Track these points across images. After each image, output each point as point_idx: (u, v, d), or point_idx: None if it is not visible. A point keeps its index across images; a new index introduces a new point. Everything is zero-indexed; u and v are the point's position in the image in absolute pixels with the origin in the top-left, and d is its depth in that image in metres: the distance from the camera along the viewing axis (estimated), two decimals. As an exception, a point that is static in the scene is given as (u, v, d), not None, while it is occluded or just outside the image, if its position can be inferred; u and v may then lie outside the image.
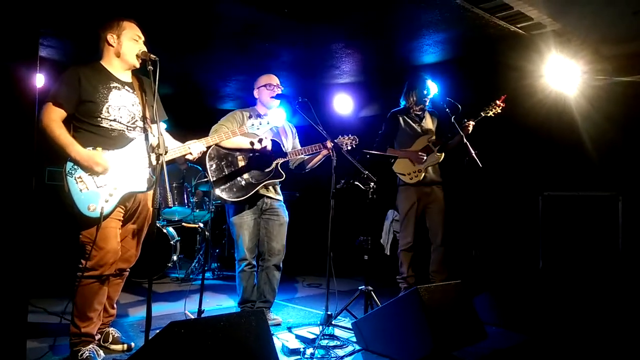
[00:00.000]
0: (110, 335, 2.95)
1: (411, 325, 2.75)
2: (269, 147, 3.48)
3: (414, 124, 4.46)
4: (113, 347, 2.92)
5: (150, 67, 2.61)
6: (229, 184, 3.51)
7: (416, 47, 4.74)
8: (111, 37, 2.77)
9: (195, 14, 4.02)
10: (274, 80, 3.73)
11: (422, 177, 4.29)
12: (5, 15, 1.72)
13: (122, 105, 2.76)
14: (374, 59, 5.27)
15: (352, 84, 6.10)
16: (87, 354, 2.66)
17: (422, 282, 3.47)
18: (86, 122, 2.68)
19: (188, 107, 7.23)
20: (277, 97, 3.68)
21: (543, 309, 3.49)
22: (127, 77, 2.87)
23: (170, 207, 5.61)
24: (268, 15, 4.03)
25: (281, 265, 3.70)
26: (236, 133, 3.18)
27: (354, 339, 3.15)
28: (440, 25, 4.15)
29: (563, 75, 4.42)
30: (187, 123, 5.12)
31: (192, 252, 6.16)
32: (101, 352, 2.78)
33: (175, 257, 5.61)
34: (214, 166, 3.53)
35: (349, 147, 3.57)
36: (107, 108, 2.70)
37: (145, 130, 2.83)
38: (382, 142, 4.43)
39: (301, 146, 3.81)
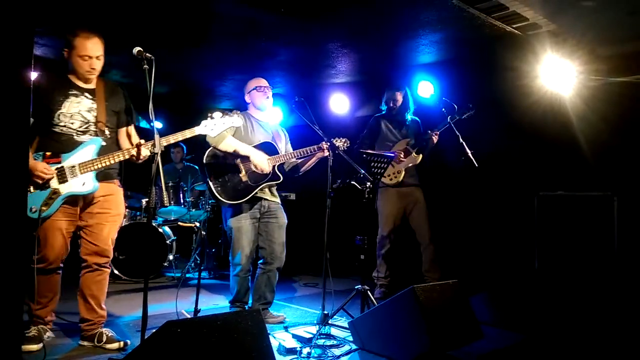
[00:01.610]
0: (104, 335, 2.96)
1: (407, 325, 2.75)
2: (265, 162, 3.52)
3: (394, 129, 4.63)
4: (108, 346, 2.93)
5: (146, 66, 2.62)
6: (227, 186, 3.50)
7: (412, 47, 4.74)
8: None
9: (192, 12, 4.01)
10: (263, 82, 3.76)
11: (401, 178, 4.46)
12: (0, 14, 1.71)
13: (75, 112, 2.89)
14: (371, 59, 5.27)
15: (349, 84, 6.10)
16: (33, 333, 2.87)
17: (417, 283, 3.48)
18: (43, 128, 2.85)
19: (184, 107, 7.21)
20: (274, 96, 3.70)
21: (539, 308, 3.50)
22: (90, 83, 2.98)
23: (166, 207, 5.60)
24: (265, 14, 4.03)
25: (281, 268, 3.72)
26: (186, 134, 2.99)
27: (351, 339, 3.15)
28: (437, 25, 4.16)
29: (558, 75, 4.43)
30: (183, 122, 5.11)
31: (188, 251, 6.15)
32: (49, 333, 2.98)
33: (171, 257, 5.59)
34: (212, 169, 3.52)
35: (342, 150, 3.59)
36: (59, 115, 2.85)
37: (97, 134, 2.94)
38: (362, 143, 4.58)
39: (294, 149, 3.80)
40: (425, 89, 5.00)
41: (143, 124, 7.26)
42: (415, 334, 2.70)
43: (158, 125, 6.55)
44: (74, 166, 2.81)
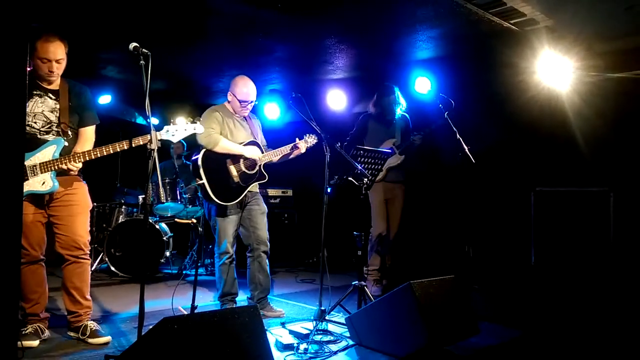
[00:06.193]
0: (88, 329, 3.00)
1: (404, 320, 2.76)
2: (257, 154, 3.69)
3: (382, 128, 4.75)
4: (90, 340, 2.97)
5: (142, 62, 2.61)
6: (222, 187, 3.58)
7: (410, 42, 4.73)
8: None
9: (189, 8, 3.99)
10: (251, 97, 3.76)
11: (384, 177, 4.61)
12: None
13: (38, 112, 2.92)
14: (368, 55, 5.26)
15: (346, 80, 6.09)
16: (29, 331, 2.90)
17: (415, 276, 3.48)
18: None
19: (181, 103, 7.18)
20: (271, 92, 3.71)
21: (536, 304, 3.52)
22: (53, 85, 2.99)
23: (163, 203, 5.58)
24: (262, 10, 4.02)
25: (269, 252, 3.81)
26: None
27: (348, 334, 3.16)
28: (434, 21, 4.15)
29: (556, 71, 4.43)
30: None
31: (185, 248, 6.14)
32: (47, 332, 3.01)
33: (168, 253, 5.58)
34: (208, 170, 3.56)
35: (311, 145, 3.83)
36: None
37: (60, 134, 2.95)
38: (351, 142, 4.65)
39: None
40: (423, 85, 5.01)
41: (140, 120, 7.25)
42: (411, 330, 2.71)
43: (155, 121, 6.52)
44: (35, 165, 2.81)
